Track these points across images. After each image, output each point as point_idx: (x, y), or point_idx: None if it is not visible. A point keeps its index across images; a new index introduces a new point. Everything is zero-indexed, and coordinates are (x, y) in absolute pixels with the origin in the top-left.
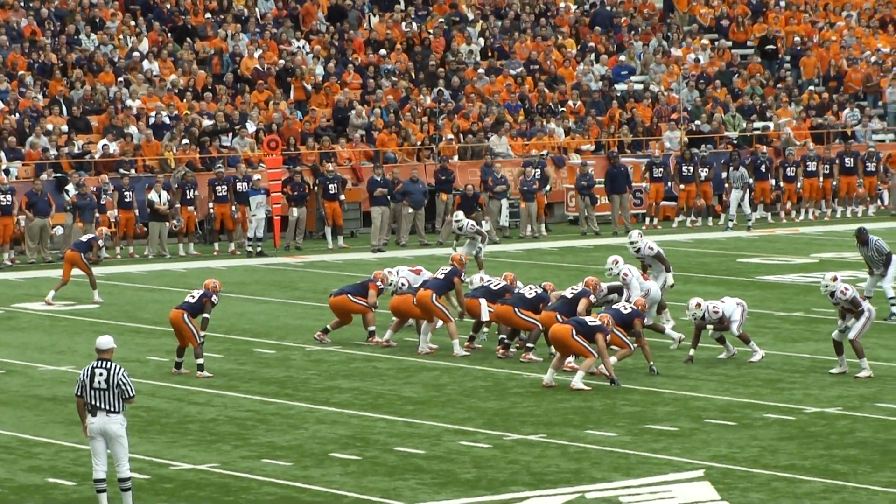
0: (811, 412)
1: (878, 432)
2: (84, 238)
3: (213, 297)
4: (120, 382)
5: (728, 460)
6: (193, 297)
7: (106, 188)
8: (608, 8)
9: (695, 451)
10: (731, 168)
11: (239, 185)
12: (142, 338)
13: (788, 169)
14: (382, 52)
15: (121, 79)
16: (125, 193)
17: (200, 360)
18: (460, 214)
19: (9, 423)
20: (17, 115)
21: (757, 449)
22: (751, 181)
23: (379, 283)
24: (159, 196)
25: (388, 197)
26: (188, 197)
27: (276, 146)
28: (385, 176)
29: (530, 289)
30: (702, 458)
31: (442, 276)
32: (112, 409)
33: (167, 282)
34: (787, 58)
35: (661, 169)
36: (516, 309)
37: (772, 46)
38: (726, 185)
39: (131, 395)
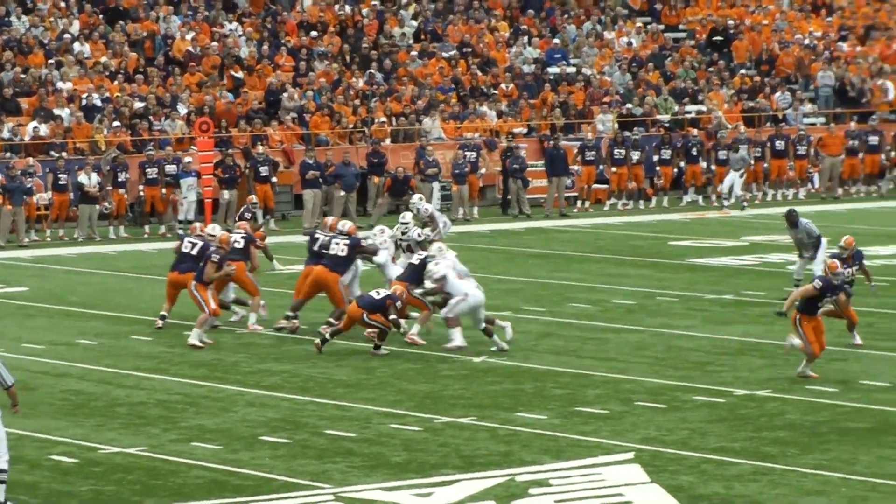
0: (740, 394)
1: (806, 414)
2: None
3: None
4: None
5: (658, 443)
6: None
7: (31, 171)
8: None
9: (625, 433)
10: (731, 151)
11: (169, 168)
12: (71, 321)
13: (720, 152)
14: (314, 34)
15: (51, 61)
16: (59, 176)
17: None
18: (416, 198)
19: None
20: None
21: (686, 431)
22: (751, 162)
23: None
24: (89, 178)
25: (321, 179)
26: (119, 179)
27: (207, 128)
28: (317, 159)
29: (338, 244)
30: (632, 441)
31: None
32: None
33: (97, 265)
34: (720, 40)
35: (593, 152)
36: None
37: (719, 38)
38: (657, 168)
39: (8, 385)
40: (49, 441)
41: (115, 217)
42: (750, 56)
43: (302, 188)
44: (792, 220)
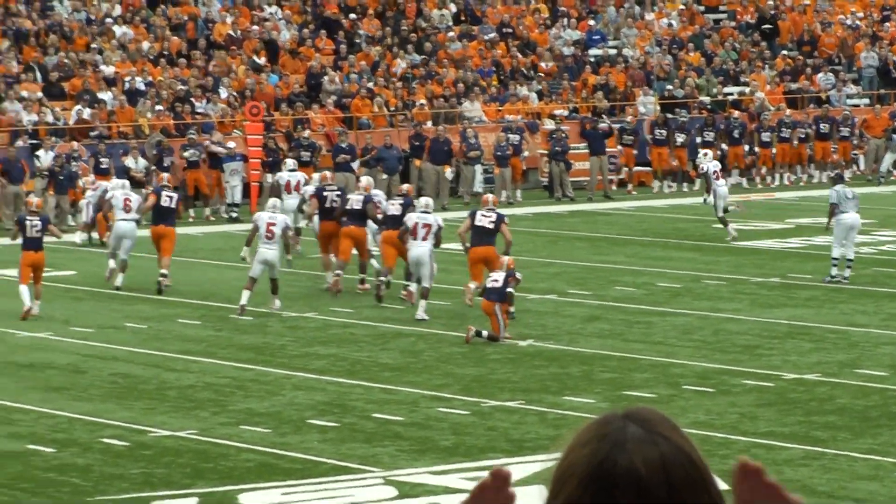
0: (790, 378)
1: (857, 399)
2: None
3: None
4: None
5: (707, 427)
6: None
7: (76, 155)
8: None
9: (673, 417)
10: (886, 138)
11: (212, 151)
12: (118, 304)
13: (763, 134)
14: (354, 17)
15: (94, 45)
16: (101, 160)
17: None
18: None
19: None
20: None
21: (735, 415)
22: None
23: None
24: (136, 162)
25: (362, 163)
26: (164, 164)
27: (257, 112)
28: (350, 142)
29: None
30: (681, 425)
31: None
32: None
33: (143, 248)
34: (770, 28)
35: (631, 136)
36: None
37: (769, 26)
38: (702, 150)
39: None
40: (99, 424)
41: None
42: (792, 37)
43: (334, 172)
44: (836, 180)
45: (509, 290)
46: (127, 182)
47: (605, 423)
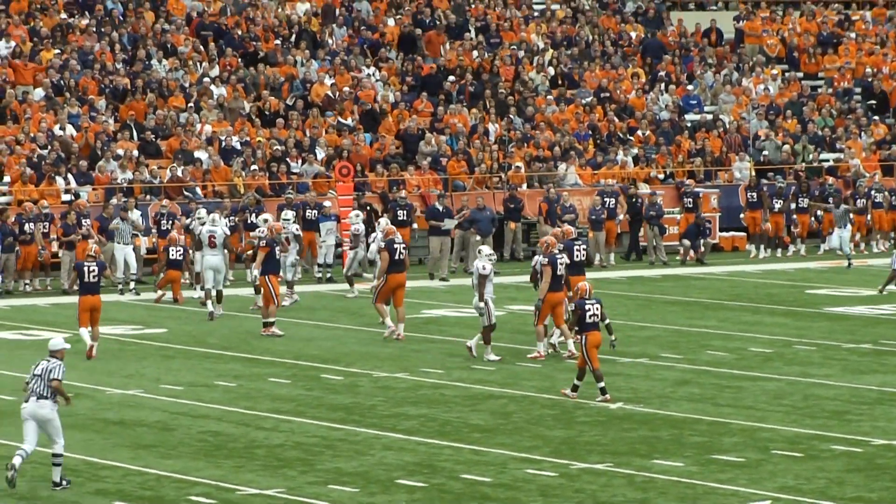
0: (879, 444)
1: None
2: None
3: None
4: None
5: (795, 492)
6: None
7: (163, 213)
8: (680, 39)
9: (762, 481)
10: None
11: (308, 213)
12: (210, 363)
13: (859, 201)
14: (452, 79)
15: (191, 104)
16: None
17: None
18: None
19: (77, 446)
20: (88, 138)
21: (824, 481)
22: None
23: None
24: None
25: (456, 225)
26: (249, 222)
27: (347, 173)
28: (447, 205)
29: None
30: (769, 490)
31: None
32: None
33: (234, 307)
34: (858, 89)
35: (690, 199)
36: None
37: (873, 101)
38: (794, 216)
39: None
40: (188, 482)
41: (253, 260)
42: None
43: (429, 235)
44: None
45: (607, 322)
46: (216, 217)
47: None
